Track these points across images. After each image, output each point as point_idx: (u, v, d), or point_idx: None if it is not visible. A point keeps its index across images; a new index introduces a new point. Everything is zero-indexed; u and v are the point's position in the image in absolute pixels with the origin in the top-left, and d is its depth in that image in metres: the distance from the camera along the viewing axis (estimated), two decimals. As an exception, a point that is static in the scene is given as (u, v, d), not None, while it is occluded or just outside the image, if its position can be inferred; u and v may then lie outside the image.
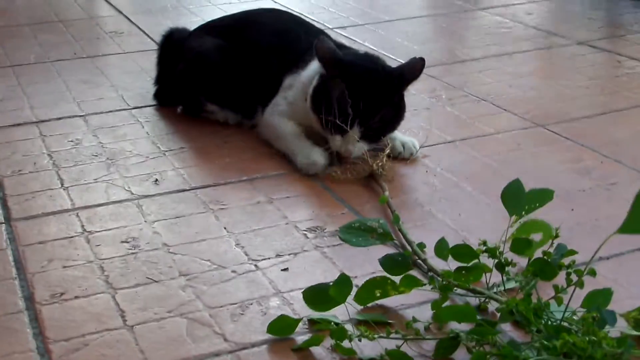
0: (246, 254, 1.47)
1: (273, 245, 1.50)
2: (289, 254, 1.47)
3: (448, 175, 1.79)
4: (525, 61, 2.57)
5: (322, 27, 2.91)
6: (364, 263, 1.43)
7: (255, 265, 1.43)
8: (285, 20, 2.10)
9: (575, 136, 1.97)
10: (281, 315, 1.24)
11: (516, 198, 1.31)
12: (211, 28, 2.14)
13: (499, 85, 2.35)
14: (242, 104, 2.02)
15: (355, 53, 1.92)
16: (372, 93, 1.74)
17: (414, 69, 1.80)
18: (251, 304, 1.32)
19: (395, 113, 1.81)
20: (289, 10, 3.21)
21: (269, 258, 1.46)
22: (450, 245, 1.33)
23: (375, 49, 2.63)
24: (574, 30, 2.89)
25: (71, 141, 2.00)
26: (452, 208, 1.64)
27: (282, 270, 1.42)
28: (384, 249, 1.45)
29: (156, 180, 1.76)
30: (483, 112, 2.14)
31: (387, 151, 1.79)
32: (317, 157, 1.79)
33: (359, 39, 2.82)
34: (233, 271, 1.41)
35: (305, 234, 1.54)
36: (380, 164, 1.75)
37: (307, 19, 2.32)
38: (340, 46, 1.95)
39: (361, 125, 1.74)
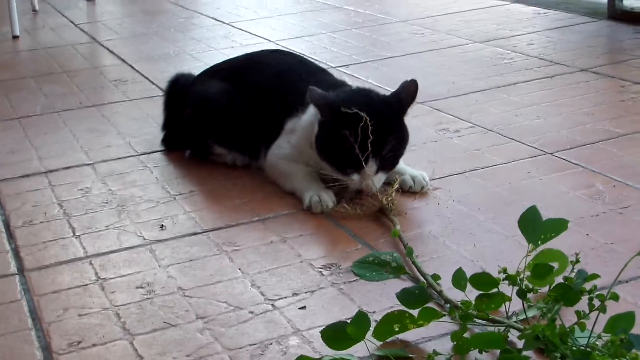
0: (262, 294, 1.46)
1: (289, 284, 1.49)
2: (306, 292, 1.46)
3: (460, 207, 1.78)
4: (529, 90, 2.57)
5: (324, 67, 2.93)
6: (381, 298, 1.42)
7: (273, 305, 1.42)
8: (287, 61, 2.11)
9: (585, 162, 1.97)
10: (300, 355, 1.22)
11: (533, 225, 1.31)
12: (215, 72, 2.16)
13: (505, 115, 2.35)
14: (249, 145, 2.02)
15: (348, 90, 1.92)
16: (376, 125, 1.71)
17: (409, 91, 1.81)
18: (270, 344, 1.30)
19: (401, 137, 1.81)
20: (292, 51, 3.24)
21: (285, 297, 1.45)
22: (468, 276, 1.32)
23: (379, 85, 2.64)
24: (576, 58, 2.90)
25: (81, 190, 2.00)
26: (466, 239, 1.63)
27: (299, 308, 1.41)
28: (401, 283, 1.44)
29: (162, 225, 1.75)
30: (491, 143, 2.14)
31: (396, 186, 1.79)
32: (325, 196, 1.79)
33: (362, 76, 2.84)
34: (250, 312, 1.40)
35: (320, 272, 1.53)
36: (389, 198, 1.75)
37: (310, 59, 2.34)
38: (340, 84, 1.96)
39: (375, 158, 1.74)
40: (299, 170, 1.88)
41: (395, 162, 1.82)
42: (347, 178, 1.77)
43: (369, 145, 1.71)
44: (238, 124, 2.02)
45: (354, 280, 1.49)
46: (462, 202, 1.81)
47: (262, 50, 2.40)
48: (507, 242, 1.61)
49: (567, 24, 3.51)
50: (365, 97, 1.83)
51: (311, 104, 1.79)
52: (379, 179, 1.77)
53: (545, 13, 3.75)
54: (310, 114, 1.87)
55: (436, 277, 1.39)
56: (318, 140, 1.80)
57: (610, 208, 1.72)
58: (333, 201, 1.79)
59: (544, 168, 1.96)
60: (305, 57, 2.32)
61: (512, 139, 2.16)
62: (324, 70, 2.10)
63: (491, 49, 3.13)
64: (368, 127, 1.71)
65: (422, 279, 1.42)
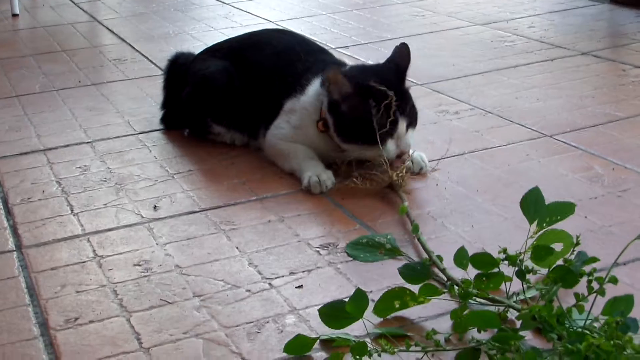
0: (260, 273, 1.46)
1: (286, 263, 1.49)
2: (303, 271, 1.46)
3: (459, 188, 1.78)
4: (529, 73, 2.57)
5: (325, 48, 2.92)
6: (379, 278, 1.42)
7: (269, 284, 1.42)
8: (288, 40, 2.10)
9: (584, 145, 1.97)
10: (297, 334, 1.23)
11: (535, 206, 1.31)
12: (216, 51, 2.15)
13: (504, 98, 2.34)
14: (248, 124, 2.02)
15: (352, 67, 1.92)
16: (395, 87, 1.75)
17: (403, 54, 1.84)
18: (267, 322, 1.31)
19: (411, 97, 1.83)
20: (293, 31, 3.23)
21: (282, 276, 1.45)
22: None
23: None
24: (577, 42, 2.90)
25: (79, 167, 2.00)
26: (465, 220, 1.63)
27: (296, 287, 1.41)
28: (397, 263, 1.44)
29: (155, 206, 1.75)
30: (490, 125, 2.13)
31: (407, 163, 1.79)
32: (324, 176, 1.79)
33: (362, 57, 2.83)
34: (247, 290, 1.40)
35: (318, 251, 1.53)
36: (400, 174, 1.74)
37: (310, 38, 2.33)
38: (340, 64, 1.96)
39: (402, 115, 1.75)
40: (298, 150, 1.87)
41: (416, 119, 1.82)
42: (380, 149, 1.73)
43: (395, 107, 1.72)
44: (237, 103, 2.01)
45: (351, 260, 1.49)
46: (461, 183, 1.80)
47: (264, 29, 2.39)
48: (505, 224, 1.61)
49: (568, 7, 3.49)
50: (371, 68, 1.86)
51: (330, 84, 1.77)
52: (409, 139, 1.77)
53: (546, -4, 3.74)
54: (311, 96, 1.86)
55: (440, 257, 1.39)
56: (340, 124, 1.78)
57: (608, 191, 1.72)
58: (332, 182, 1.79)
59: (543, 150, 1.96)
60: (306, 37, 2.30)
61: (511, 121, 2.16)
62: (324, 50, 2.10)
63: (492, 32, 3.12)
64: (390, 90, 1.73)
65: (424, 256, 1.42)
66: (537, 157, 1.92)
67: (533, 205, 1.32)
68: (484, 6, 3.58)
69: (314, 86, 1.87)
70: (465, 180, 1.82)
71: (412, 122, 1.80)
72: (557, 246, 1.31)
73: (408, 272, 1.31)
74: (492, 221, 1.63)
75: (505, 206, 1.68)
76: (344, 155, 1.84)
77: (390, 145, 1.75)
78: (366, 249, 1.43)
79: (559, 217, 1.34)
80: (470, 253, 1.35)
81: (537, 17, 3.32)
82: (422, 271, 1.31)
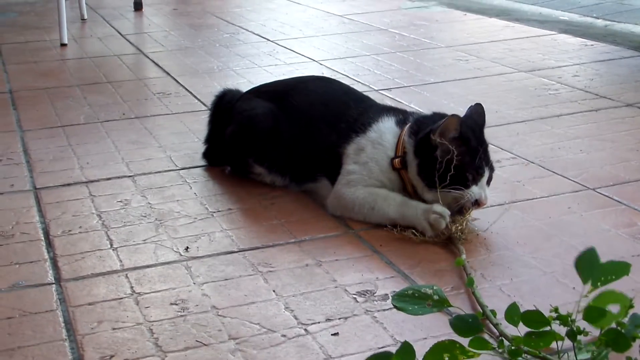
0: (296, 318, 1.46)
1: (322, 309, 1.49)
2: (339, 318, 1.45)
3: (498, 239, 1.77)
4: (573, 123, 2.55)
5: (367, 89, 2.94)
6: (415, 329, 1.41)
7: (305, 330, 1.42)
8: (333, 89, 2.11)
9: (628, 199, 1.94)
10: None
11: (590, 267, 1.29)
12: (262, 92, 2.16)
13: (547, 148, 2.33)
14: (290, 168, 2.03)
15: (434, 115, 1.95)
16: (481, 140, 1.85)
17: (480, 113, 1.91)
18: (302, 369, 1.30)
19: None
20: (335, 73, 3.25)
21: (318, 322, 1.44)
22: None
23: (421, 110, 2.63)
24: (622, 93, 2.87)
25: (120, 201, 2.01)
26: (504, 273, 1.62)
27: (332, 334, 1.40)
28: (437, 315, 1.42)
29: (187, 248, 1.75)
30: (532, 175, 2.12)
31: (468, 215, 1.78)
32: (441, 207, 1.78)
33: (405, 101, 2.83)
34: (283, 335, 1.40)
35: (355, 298, 1.53)
36: (459, 227, 1.74)
37: (353, 80, 2.34)
38: (391, 110, 1.97)
39: (487, 167, 1.82)
40: (380, 196, 1.85)
41: (493, 170, 1.88)
42: (466, 192, 1.78)
43: (483, 157, 1.81)
44: (280, 147, 2.02)
45: (388, 309, 1.48)
46: (501, 234, 1.79)
47: (309, 76, 2.41)
48: (544, 278, 1.59)
49: (613, 57, 3.48)
50: (465, 120, 1.86)
51: (447, 127, 1.78)
52: (487, 193, 1.83)
53: (592, 45, 3.72)
54: (384, 133, 1.89)
55: (493, 312, 1.38)
56: (427, 167, 1.80)
57: (652, 249, 1.70)
58: (445, 210, 1.78)
59: (585, 204, 1.94)
60: (348, 78, 2.31)
61: (553, 172, 2.14)
62: (369, 98, 2.10)
63: (536, 79, 3.11)
64: (478, 141, 1.82)
65: (469, 309, 1.41)
66: (579, 211, 1.90)
67: (588, 265, 1.30)
68: (528, 53, 3.57)
69: (386, 125, 1.90)
70: (505, 231, 1.80)
71: (490, 178, 1.85)
72: (612, 307, 1.28)
73: (459, 324, 1.30)
74: (531, 275, 1.61)
75: (545, 260, 1.66)
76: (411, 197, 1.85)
77: (475, 189, 1.79)
78: (413, 301, 1.40)
79: (613, 277, 1.31)
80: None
81: (582, 66, 3.31)
82: (473, 324, 1.29)
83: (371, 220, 1.85)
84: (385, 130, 1.90)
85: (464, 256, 1.65)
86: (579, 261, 1.30)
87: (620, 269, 1.31)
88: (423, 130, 1.83)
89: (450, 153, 1.76)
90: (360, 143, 1.90)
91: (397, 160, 1.85)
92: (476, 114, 1.90)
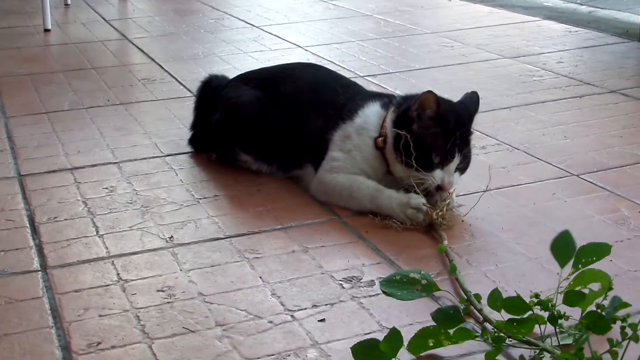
0: (282, 304, 1.46)
1: (309, 295, 1.49)
2: (326, 305, 1.46)
3: (483, 225, 1.78)
4: (557, 110, 2.56)
5: (352, 75, 2.94)
6: (401, 314, 1.42)
7: (292, 316, 1.42)
8: (321, 75, 2.11)
9: (611, 185, 1.96)
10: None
11: (566, 250, 1.30)
12: (249, 79, 2.15)
13: (532, 134, 2.34)
14: (277, 156, 2.03)
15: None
16: (462, 126, 1.82)
17: (474, 101, 1.91)
18: (288, 355, 1.31)
19: (470, 144, 1.86)
20: (320, 59, 3.24)
21: (305, 308, 1.45)
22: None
23: (406, 97, 2.63)
24: (606, 79, 2.89)
25: (106, 188, 2.01)
26: (489, 259, 1.63)
27: (319, 321, 1.41)
28: (422, 299, 1.43)
29: (171, 236, 1.75)
30: (517, 161, 2.13)
31: (448, 201, 1.79)
32: (416, 200, 1.77)
33: (390, 87, 2.83)
34: (270, 321, 1.40)
35: (341, 284, 1.53)
36: (440, 213, 1.75)
37: (338, 67, 2.33)
38: (380, 95, 1.98)
39: (459, 154, 1.79)
40: (362, 184, 1.84)
41: (468, 165, 1.86)
42: (429, 175, 1.77)
43: (456, 141, 1.78)
44: (267, 135, 2.02)
45: (374, 295, 1.49)
46: (486, 220, 1.80)
47: (296, 63, 2.41)
48: (529, 264, 1.60)
49: (598, 43, 3.49)
50: (449, 102, 1.87)
51: (422, 104, 1.78)
52: (456, 179, 1.81)
53: (576, 31, 3.74)
54: (369, 116, 1.89)
55: (477, 296, 1.38)
56: (400, 142, 1.79)
57: (635, 234, 1.71)
58: (422, 201, 1.77)
59: (570, 190, 1.95)
60: (333, 64, 2.31)
61: (538, 158, 2.15)
62: (356, 84, 2.10)
63: (520, 65, 3.12)
64: (457, 127, 1.80)
65: (463, 295, 1.42)
66: (563, 197, 1.91)
67: (564, 248, 1.31)
68: (513, 39, 3.58)
69: (371, 109, 1.91)
70: (490, 217, 1.82)
71: (463, 166, 1.84)
72: (594, 286, 1.29)
73: (441, 317, 1.31)
74: (516, 261, 1.62)
75: (530, 246, 1.67)
76: (391, 180, 1.85)
77: (438, 174, 1.78)
78: (402, 286, 1.41)
79: (594, 258, 1.32)
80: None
81: (566, 53, 3.32)
82: (455, 315, 1.30)
83: (351, 207, 1.86)
84: (371, 113, 1.90)
85: (445, 242, 1.65)
86: (554, 245, 1.31)
87: (601, 250, 1.32)
88: (407, 104, 1.84)
89: (423, 130, 1.78)
90: (346, 130, 1.90)
91: (380, 139, 1.85)
92: (470, 101, 1.91)
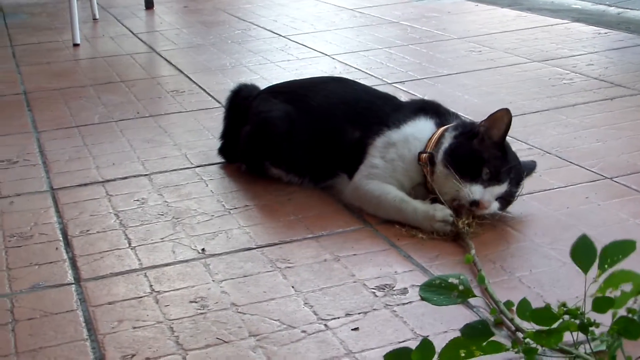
0: (315, 314, 1.46)
1: (342, 304, 1.49)
2: (359, 313, 1.45)
3: (517, 231, 1.76)
4: (588, 112, 2.54)
5: (380, 82, 2.93)
6: (435, 322, 1.41)
7: (325, 325, 1.42)
8: (355, 89, 2.11)
9: (646, 188, 1.93)
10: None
11: (586, 254, 1.27)
12: (279, 92, 2.14)
13: (563, 138, 2.32)
14: (311, 169, 2.02)
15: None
16: (518, 168, 1.81)
17: (530, 165, 1.91)
18: (323, 365, 1.30)
19: (515, 197, 1.82)
20: (347, 67, 3.24)
21: (338, 317, 1.44)
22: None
23: (435, 103, 2.62)
24: (637, 81, 2.86)
25: (137, 200, 2.02)
26: (523, 264, 1.61)
27: (352, 329, 1.40)
28: (456, 307, 1.42)
29: (203, 249, 1.75)
30: (549, 165, 2.11)
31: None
32: (442, 213, 1.75)
33: (418, 93, 2.82)
34: (303, 331, 1.40)
35: (374, 292, 1.53)
36: (466, 222, 1.73)
37: (366, 74, 2.32)
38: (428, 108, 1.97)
39: (509, 184, 1.76)
40: (390, 193, 1.82)
41: (507, 206, 1.81)
42: (469, 186, 1.74)
43: (510, 172, 1.77)
44: (298, 149, 2.01)
45: (407, 303, 1.48)
46: (519, 225, 1.78)
47: (327, 77, 2.42)
48: (564, 269, 1.58)
49: (627, 44, 3.46)
50: (510, 114, 1.84)
51: (497, 119, 1.77)
52: (494, 206, 1.76)
53: (605, 33, 3.70)
54: (421, 129, 1.88)
55: (509, 304, 1.37)
56: (457, 147, 1.79)
57: (671, 237, 1.68)
58: (449, 213, 1.75)
59: (603, 193, 1.93)
60: (360, 71, 2.30)
61: (570, 162, 2.13)
62: (387, 94, 2.09)
63: (550, 69, 3.10)
64: (515, 164, 1.80)
65: (494, 306, 1.40)
66: (596, 200, 1.89)
67: (584, 253, 1.28)
68: (541, 43, 3.56)
69: (424, 123, 1.89)
70: (523, 223, 1.80)
71: (504, 203, 1.78)
72: (626, 287, 1.27)
73: (470, 332, 1.28)
74: (550, 266, 1.60)
75: (564, 250, 1.64)
76: (424, 193, 1.84)
77: (477, 189, 1.74)
78: (440, 291, 1.39)
79: (620, 257, 1.29)
80: (529, 299, 1.32)
81: (596, 55, 3.29)
82: (483, 330, 1.28)
83: (379, 215, 1.84)
84: (423, 126, 1.88)
85: (473, 252, 1.63)
86: (574, 251, 1.28)
87: (626, 247, 1.28)
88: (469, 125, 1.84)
89: (483, 148, 1.76)
90: (391, 137, 1.88)
91: (425, 155, 1.83)
92: (526, 162, 1.90)
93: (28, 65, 3.63)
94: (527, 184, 1.91)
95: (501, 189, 1.75)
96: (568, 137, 2.32)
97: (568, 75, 2.99)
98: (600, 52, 3.35)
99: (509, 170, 1.76)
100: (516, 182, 1.79)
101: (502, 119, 1.76)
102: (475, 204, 1.73)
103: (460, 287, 1.39)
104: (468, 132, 1.81)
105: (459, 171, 1.75)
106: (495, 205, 1.76)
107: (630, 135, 2.31)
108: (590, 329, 1.21)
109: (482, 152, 1.76)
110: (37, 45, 4.08)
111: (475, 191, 1.73)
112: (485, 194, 1.74)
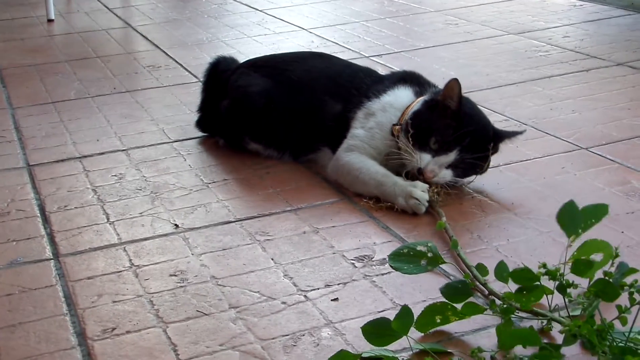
0: (295, 285, 1.46)
1: (321, 275, 1.50)
2: (338, 284, 1.46)
3: (494, 201, 1.77)
4: (564, 84, 2.55)
5: (358, 56, 2.93)
6: (414, 291, 1.42)
7: (305, 296, 1.43)
8: (334, 63, 2.11)
9: (621, 158, 1.95)
10: (341, 350, 1.22)
11: (572, 219, 1.29)
12: (259, 66, 2.13)
13: (539, 109, 2.33)
14: (291, 144, 2.02)
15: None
16: (477, 136, 1.77)
17: (509, 133, 1.85)
18: (303, 335, 1.31)
19: (481, 164, 1.80)
20: (325, 40, 3.24)
21: (318, 288, 1.45)
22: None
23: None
24: (612, 52, 2.87)
25: (114, 176, 2.01)
26: (500, 234, 1.63)
27: (332, 300, 1.41)
28: (434, 275, 1.44)
29: (176, 224, 1.75)
30: (525, 136, 2.11)
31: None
32: (420, 191, 1.74)
33: (396, 66, 2.82)
34: (283, 302, 1.41)
35: (353, 264, 1.53)
36: (436, 190, 1.74)
37: (343, 49, 2.32)
38: (411, 79, 1.97)
39: (459, 153, 1.75)
40: (380, 170, 1.82)
41: (465, 175, 1.81)
42: (418, 155, 1.75)
43: (463, 141, 1.75)
44: (277, 124, 2.01)
45: (386, 273, 1.49)
46: (496, 196, 1.80)
47: (307, 52, 2.42)
48: (541, 238, 1.60)
49: (603, 16, 3.47)
50: (481, 112, 1.88)
51: (449, 89, 1.75)
52: (443, 174, 1.76)
53: (581, 5, 3.72)
54: (400, 96, 1.88)
55: (484, 269, 1.38)
56: (417, 111, 1.80)
57: (646, 205, 1.71)
58: (426, 188, 1.75)
59: (579, 163, 1.94)
60: (338, 45, 2.30)
61: (546, 133, 2.15)
62: (368, 68, 2.09)
63: (526, 41, 3.11)
64: (472, 132, 1.76)
65: (466, 271, 1.42)
66: (572, 170, 1.90)
67: (570, 218, 1.30)
68: (517, 15, 3.56)
69: (403, 92, 1.90)
70: (500, 193, 1.81)
71: (461, 171, 1.78)
72: (597, 256, 1.29)
73: (449, 292, 1.31)
74: (527, 235, 1.62)
75: (541, 220, 1.67)
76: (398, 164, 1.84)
77: (426, 158, 1.75)
78: (409, 260, 1.41)
79: (593, 221, 1.30)
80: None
81: (572, 27, 3.30)
82: (463, 289, 1.30)
83: (356, 189, 1.84)
84: (402, 95, 1.89)
85: (444, 219, 1.65)
86: (560, 215, 1.30)
87: (598, 211, 1.30)
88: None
89: (440, 116, 1.76)
90: (371, 107, 1.89)
91: (397, 127, 1.84)
92: (506, 131, 1.87)
93: (1, 42, 3.59)
94: (504, 154, 1.93)
95: (448, 157, 1.75)
96: (544, 109, 2.33)
97: (544, 47, 3.00)
98: (575, 24, 3.37)
99: (459, 139, 1.74)
100: (474, 150, 1.76)
101: (452, 88, 1.76)
102: (420, 172, 1.76)
103: (429, 255, 1.40)
104: (430, 102, 1.81)
105: (415, 140, 1.76)
106: (446, 173, 1.76)
107: (606, 106, 2.32)
108: (568, 291, 1.23)
109: (433, 122, 1.77)
110: (10, 21, 4.04)
111: (422, 159, 1.75)
112: (430, 163, 1.75)
